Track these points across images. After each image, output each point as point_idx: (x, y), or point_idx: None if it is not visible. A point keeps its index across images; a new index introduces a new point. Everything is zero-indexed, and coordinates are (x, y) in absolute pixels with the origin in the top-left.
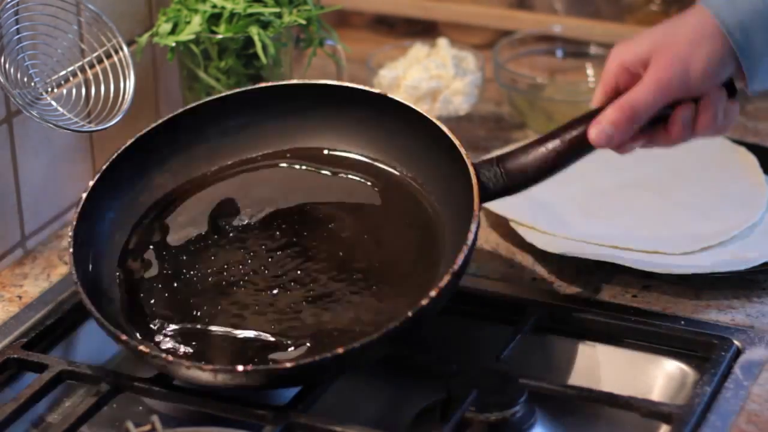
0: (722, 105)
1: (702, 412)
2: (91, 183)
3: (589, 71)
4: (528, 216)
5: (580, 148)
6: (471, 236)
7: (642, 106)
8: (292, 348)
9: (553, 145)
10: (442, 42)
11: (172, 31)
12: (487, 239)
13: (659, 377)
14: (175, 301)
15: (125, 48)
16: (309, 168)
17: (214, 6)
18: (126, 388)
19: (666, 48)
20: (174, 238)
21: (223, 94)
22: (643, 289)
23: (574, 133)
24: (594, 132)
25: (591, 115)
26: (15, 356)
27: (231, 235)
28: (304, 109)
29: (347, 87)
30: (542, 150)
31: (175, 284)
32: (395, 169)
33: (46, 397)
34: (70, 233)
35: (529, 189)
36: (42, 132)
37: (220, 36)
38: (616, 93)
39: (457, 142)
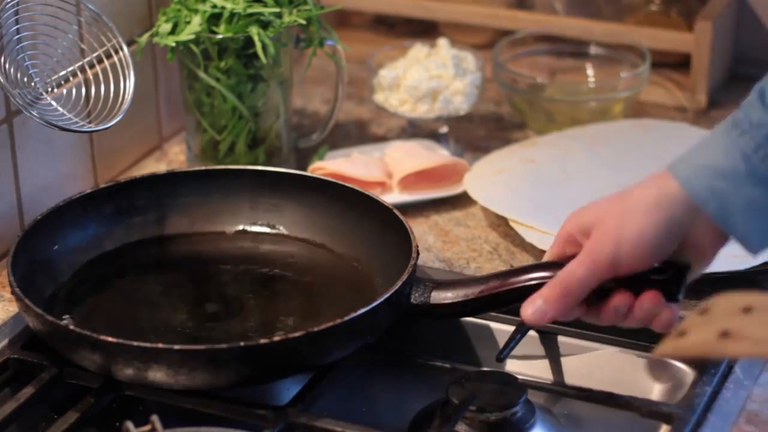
0: (659, 303)
1: (702, 412)
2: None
3: (589, 71)
4: (528, 216)
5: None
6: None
7: (575, 283)
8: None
9: (491, 290)
10: (442, 42)
11: (172, 31)
12: (487, 239)
13: (659, 377)
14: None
15: (125, 48)
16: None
17: (214, 6)
18: (126, 388)
19: (604, 220)
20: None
21: (174, 171)
22: None
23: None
24: (529, 309)
25: (535, 268)
26: (15, 356)
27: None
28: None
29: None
30: (477, 291)
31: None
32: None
33: (46, 398)
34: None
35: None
36: (42, 132)
37: (220, 36)
38: (566, 260)
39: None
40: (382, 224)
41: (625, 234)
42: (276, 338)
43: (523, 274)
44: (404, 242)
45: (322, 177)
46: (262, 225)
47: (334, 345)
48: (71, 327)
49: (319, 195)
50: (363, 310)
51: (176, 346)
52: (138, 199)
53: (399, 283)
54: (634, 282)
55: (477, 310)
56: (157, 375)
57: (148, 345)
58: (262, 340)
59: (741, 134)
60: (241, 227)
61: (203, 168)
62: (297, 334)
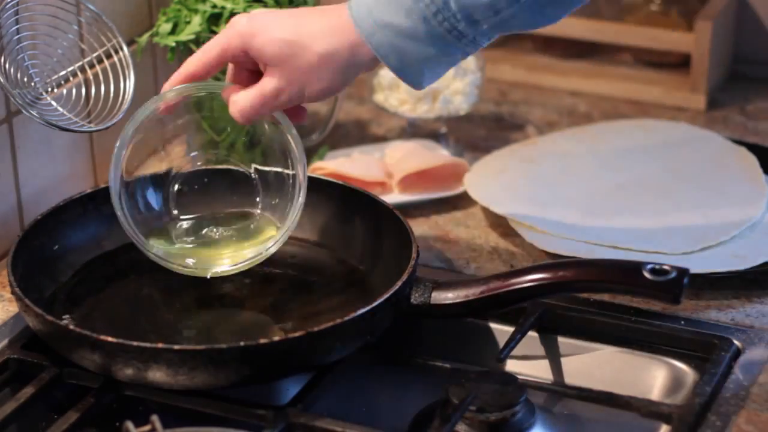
0: None
1: (702, 412)
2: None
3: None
4: (528, 216)
5: (517, 298)
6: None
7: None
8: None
9: (490, 291)
10: None
11: (172, 31)
12: (487, 239)
13: (659, 377)
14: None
15: (125, 48)
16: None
17: (214, 6)
18: (126, 388)
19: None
20: None
21: (182, 170)
22: None
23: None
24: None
25: (535, 269)
26: (15, 356)
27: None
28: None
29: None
30: (477, 292)
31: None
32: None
33: (46, 398)
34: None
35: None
36: (42, 132)
37: None
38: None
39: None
40: (382, 224)
41: (310, 89)
42: (276, 338)
43: (523, 275)
44: (404, 242)
45: (322, 177)
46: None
47: (334, 345)
48: (71, 327)
49: (319, 195)
50: (363, 310)
51: (176, 346)
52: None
53: (399, 283)
54: (633, 285)
55: (477, 310)
56: (157, 375)
57: (147, 345)
58: (262, 340)
59: None
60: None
61: (202, 168)
62: (297, 334)
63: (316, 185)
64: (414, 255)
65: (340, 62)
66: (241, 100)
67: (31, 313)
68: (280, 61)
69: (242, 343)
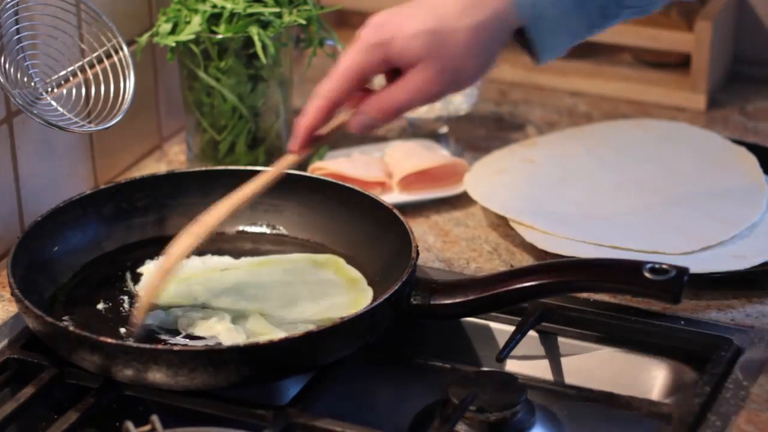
0: None
1: (702, 412)
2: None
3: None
4: (528, 216)
5: (517, 298)
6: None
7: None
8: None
9: (490, 290)
10: None
11: (172, 31)
12: (487, 239)
13: (659, 377)
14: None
15: (125, 48)
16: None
17: (214, 6)
18: (126, 388)
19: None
20: None
21: (174, 171)
22: None
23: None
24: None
25: (535, 269)
26: (15, 356)
27: None
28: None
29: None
30: (477, 292)
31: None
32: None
33: (46, 398)
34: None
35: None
36: (42, 132)
37: (220, 36)
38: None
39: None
40: (382, 224)
41: (464, 73)
42: (276, 339)
43: (523, 275)
44: (404, 242)
45: (322, 177)
46: (261, 225)
47: (333, 345)
48: (71, 328)
49: (319, 195)
50: (363, 310)
51: (176, 347)
52: (138, 200)
53: (399, 284)
54: (633, 284)
55: (477, 310)
56: (157, 376)
57: (147, 346)
58: (262, 341)
59: None
60: (240, 228)
61: (203, 168)
62: (297, 334)
63: (315, 185)
64: (414, 255)
65: (490, 34)
66: (384, 101)
67: (31, 314)
68: (428, 55)
69: (242, 344)
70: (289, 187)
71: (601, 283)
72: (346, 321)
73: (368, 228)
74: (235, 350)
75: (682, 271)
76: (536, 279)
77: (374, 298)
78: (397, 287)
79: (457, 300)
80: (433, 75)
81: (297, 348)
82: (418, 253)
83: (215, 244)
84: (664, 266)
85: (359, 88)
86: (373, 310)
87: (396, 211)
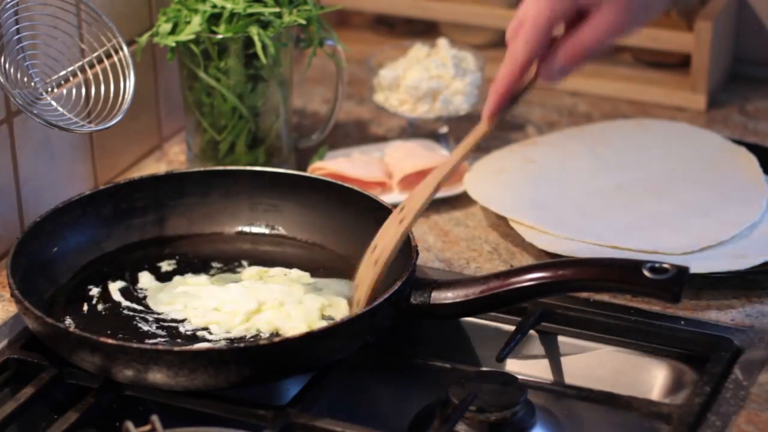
0: None
1: (702, 412)
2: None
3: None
4: (528, 216)
5: (516, 297)
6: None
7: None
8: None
9: (490, 290)
10: (442, 42)
11: (172, 31)
12: (487, 239)
13: (659, 377)
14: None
15: (125, 48)
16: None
17: (214, 6)
18: (126, 388)
19: None
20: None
21: (173, 172)
22: None
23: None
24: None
25: (535, 268)
26: (15, 356)
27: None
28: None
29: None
30: (477, 292)
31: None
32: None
33: (46, 398)
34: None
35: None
36: (42, 132)
37: (220, 36)
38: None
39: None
40: (381, 224)
41: (650, 10)
42: (276, 339)
43: (523, 274)
44: (404, 243)
45: (321, 177)
46: (260, 225)
47: (334, 345)
48: (71, 329)
49: (318, 195)
50: (363, 310)
51: (176, 348)
52: (137, 201)
53: (399, 284)
54: (633, 284)
55: (477, 310)
56: (157, 377)
57: (147, 347)
58: (262, 341)
59: None
60: (240, 228)
61: (202, 169)
62: (297, 335)
63: (314, 185)
64: (413, 255)
65: None
66: (576, 46)
67: (31, 315)
68: None
69: (242, 345)
70: (287, 188)
71: (601, 283)
72: (347, 321)
73: (368, 227)
74: (235, 351)
75: (682, 270)
76: (536, 278)
77: (375, 298)
78: (396, 287)
79: (458, 300)
80: (622, 10)
81: (297, 348)
82: (417, 253)
83: (213, 245)
84: (664, 265)
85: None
86: (374, 310)
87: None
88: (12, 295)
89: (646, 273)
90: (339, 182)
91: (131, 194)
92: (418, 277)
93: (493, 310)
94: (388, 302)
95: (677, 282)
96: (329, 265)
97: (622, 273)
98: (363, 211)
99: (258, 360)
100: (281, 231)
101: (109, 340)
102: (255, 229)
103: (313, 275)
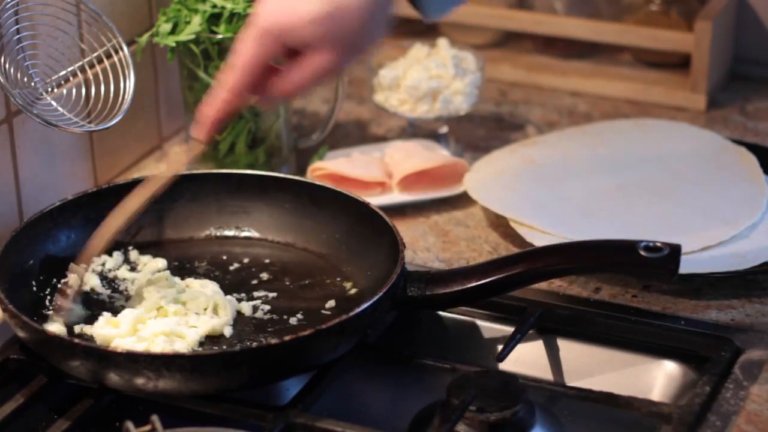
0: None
1: (702, 412)
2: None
3: None
4: (528, 216)
5: (512, 283)
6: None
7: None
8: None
9: (486, 277)
10: (442, 42)
11: (172, 31)
12: (487, 239)
13: (659, 377)
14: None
15: (125, 48)
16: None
17: (214, 6)
18: (126, 388)
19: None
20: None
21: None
22: (643, 289)
23: (512, 269)
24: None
25: (530, 255)
26: (15, 356)
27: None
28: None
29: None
30: (473, 279)
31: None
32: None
33: (46, 398)
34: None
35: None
36: (42, 132)
37: (220, 36)
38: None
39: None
40: (360, 221)
41: (361, 48)
42: (287, 338)
43: (520, 261)
44: (384, 235)
45: (290, 177)
46: (230, 228)
47: (340, 342)
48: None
49: (288, 195)
50: (365, 305)
51: (186, 352)
52: (106, 210)
53: (394, 276)
54: (629, 264)
55: (475, 298)
56: (168, 383)
57: (158, 353)
58: (273, 341)
59: None
60: (208, 232)
61: (192, 172)
62: (306, 333)
63: (284, 185)
64: (401, 247)
65: (381, 5)
66: (286, 83)
67: (30, 328)
68: (325, 37)
69: (254, 345)
70: (258, 188)
71: (597, 265)
72: (352, 317)
73: (345, 226)
74: (247, 352)
75: (675, 248)
76: (533, 263)
77: (372, 294)
78: (393, 279)
79: (455, 288)
80: (333, 54)
81: (306, 346)
82: (404, 245)
83: (183, 250)
84: (658, 244)
85: (261, 75)
86: (375, 305)
87: (374, 207)
88: (5, 309)
89: (642, 252)
90: (309, 181)
91: (99, 203)
92: (413, 271)
93: (492, 297)
94: (387, 295)
95: (673, 259)
96: (310, 264)
97: (617, 253)
98: (338, 208)
99: (268, 360)
100: (253, 233)
101: (119, 350)
102: (225, 233)
103: (292, 276)
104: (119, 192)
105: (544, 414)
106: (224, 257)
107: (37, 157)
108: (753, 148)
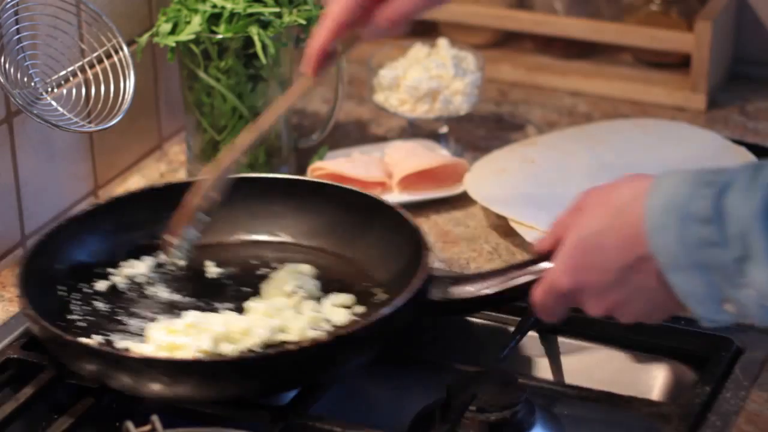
0: None
1: (702, 412)
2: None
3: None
4: (528, 216)
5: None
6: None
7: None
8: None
9: (511, 280)
10: (442, 42)
11: (172, 31)
12: (487, 239)
13: (659, 377)
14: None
15: (125, 48)
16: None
17: (214, 6)
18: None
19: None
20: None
21: (172, 183)
22: None
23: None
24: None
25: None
26: (15, 356)
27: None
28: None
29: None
30: (495, 282)
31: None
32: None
33: (46, 398)
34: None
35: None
36: (42, 132)
37: (220, 36)
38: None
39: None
40: (386, 225)
41: None
42: (305, 344)
43: (541, 263)
44: (410, 239)
45: (320, 180)
46: (262, 233)
47: (363, 348)
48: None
49: (318, 198)
50: (390, 309)
51: (205, 358)
52: (138, 214)
53: (421, 282)
54: None
55: (498, 302)
56: (186, 389)
57: (177, 358)
58: (290, 346)
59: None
60: (241, 237)
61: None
62: (327, 339)
63: (314, 189)
64: (427, 251)
65: None
66: (391, 12)
67: (50, 333)
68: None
69: (272, 351)
70: (288, 193)
71: None
72: (374, 322)
73: (372, 229)
74: (263, 357)
75: None
76: None
77: (392, 298)
78: (417, 284)
79: (480, 293)
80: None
81: (327, 352)
82: (429, 249)
83: (218, 254)
84: None
85: (365, 4)
86: (399, 310)
87: (401, 210)
88: (26, 314)
89: None
90: (339, 184)
91: (131, 207)
92: (434, 274)
93: (515, 301)
94: (412, 300)
95: None
96: (334, 267)
97: None
98: (363, 212)
99: (288, 366)
100: (283, 238)
101: (134, 354)
102: (257, 237)
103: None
104: (152, 197)
105: (544, 414)
106: (254, 262)
107: (37, 157)
108: (753, 148)
